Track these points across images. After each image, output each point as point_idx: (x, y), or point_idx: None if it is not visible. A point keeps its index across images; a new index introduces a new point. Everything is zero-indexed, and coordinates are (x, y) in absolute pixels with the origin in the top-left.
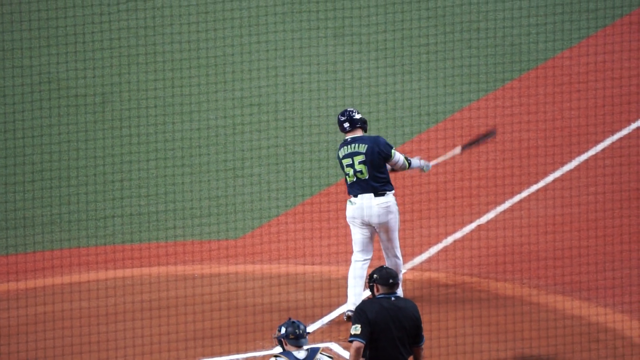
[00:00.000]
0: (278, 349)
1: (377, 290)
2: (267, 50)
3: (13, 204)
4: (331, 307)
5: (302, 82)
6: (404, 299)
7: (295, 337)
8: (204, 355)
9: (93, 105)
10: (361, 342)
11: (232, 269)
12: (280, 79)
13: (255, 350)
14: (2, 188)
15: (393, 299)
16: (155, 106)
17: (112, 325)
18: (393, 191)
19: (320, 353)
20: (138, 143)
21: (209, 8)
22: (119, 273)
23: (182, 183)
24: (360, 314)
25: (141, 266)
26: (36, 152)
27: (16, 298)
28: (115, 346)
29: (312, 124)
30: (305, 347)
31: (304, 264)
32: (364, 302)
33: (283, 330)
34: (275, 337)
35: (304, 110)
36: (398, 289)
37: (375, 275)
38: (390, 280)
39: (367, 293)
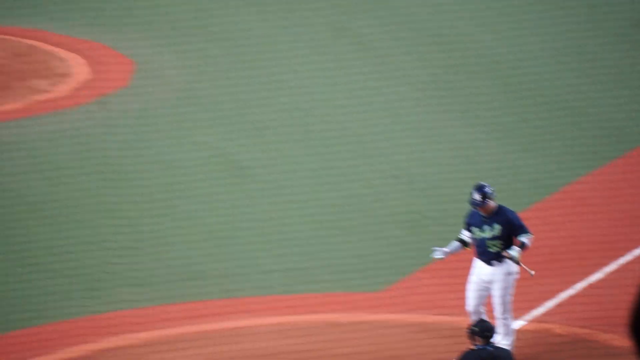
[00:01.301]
0: None
1: (476, 342)
2: (403, 130)
3: None
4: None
5: (434, 157)
6: (501, 348)
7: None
8: None
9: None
10: None
11: (376, 317)
12: (415, 154)
13: None
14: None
15: (490, 349)
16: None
17: None
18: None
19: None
20: (296, 208)
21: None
22: (275, 320)
23: (334, 242)
24: None
25: (295, 314)
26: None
27: None
28: None
29: (443, 194)
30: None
31: (438, 315)
32: (464, 354)
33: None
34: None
35: (435, 182)
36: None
37: (475, 329)
38: (487, 334)
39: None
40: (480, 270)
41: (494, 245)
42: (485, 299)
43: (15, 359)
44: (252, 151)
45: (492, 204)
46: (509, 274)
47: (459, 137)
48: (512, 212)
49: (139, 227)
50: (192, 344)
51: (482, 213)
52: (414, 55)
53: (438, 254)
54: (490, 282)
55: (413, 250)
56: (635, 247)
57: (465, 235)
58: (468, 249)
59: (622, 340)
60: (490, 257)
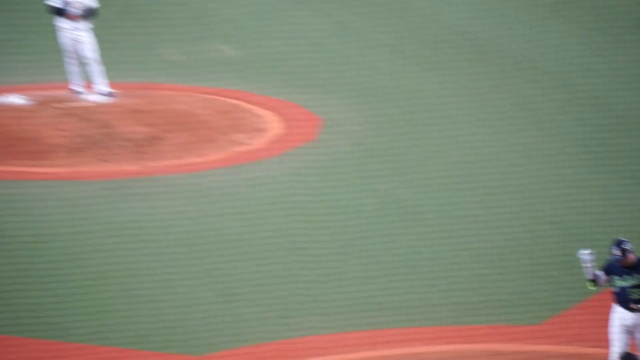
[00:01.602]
0: None
1: None
2: (560, 181)
3: None
4: None
5: (588, 207)
6: None
7: None
8: None
9: None
10: None
11: (534, 348)
12: (571, 203)
13: None
14: None
15: None
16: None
17: None
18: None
19: None
20: (462, 249)
21: None
22: (443, 348)
23: (496, 280)
24: None
25: (461, 343)
26: None
27: None
28: None
29: (596, 239)
30: None
31: (593, 347)
32: None
33: None
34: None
35: (589, 228)
36: None
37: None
38: None
39: None
40: (622, 316)
41: (635, 293)
42: (629, 343)
43: None
44: (423, 198)
45: (631, 257)
46: None
47: (611, 188)
48: None
49: (324, 263)
50: None
51: (622, 265)
52: (569, 115)
53: (598, 279)
54: (633, 326)
55: (568, 288)
56: None
57: (602, 277)
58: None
59: None
60: (632, 304)
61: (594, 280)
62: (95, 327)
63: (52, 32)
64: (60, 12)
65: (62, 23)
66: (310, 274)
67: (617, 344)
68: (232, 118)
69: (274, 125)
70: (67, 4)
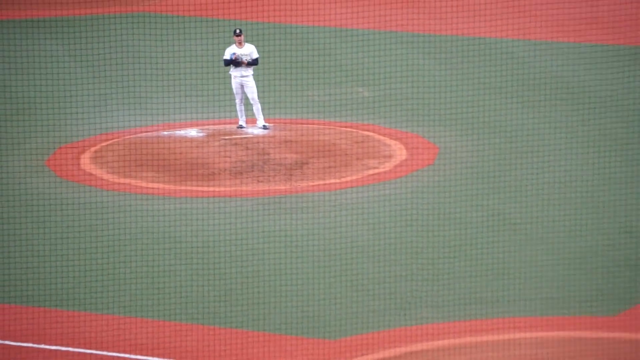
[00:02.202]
0: None
1: None
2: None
3: None
4: None
5: None
6: None
7: None
8: None
9: None
10: None
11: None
12: None
13: None
14: None
15: None
16: None
17: None
18: None
19: None
20: (549, 252)
21: None
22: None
23: (571, 278)
24: None
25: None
26: None
27: None
28: None
29: None
30: None
31: None
32: None
33: None
34: None
35: None
36: None
37: None
38: None
39: None
40: None
41: None
42: None
43: (348, 357)
44: (520, 212)
45: None
46: None
47: None
48: None
49: (436, 265)
50: (474, 350)
51: None
52: None
53: None
54: None
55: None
56: None
57: None
58: None
59: None
60: None
61: None
62: (251, 316)
63: (222, 78)
64: (231, 63)
65: (232, 71)
66: (424, 274)
67: None
68: (365, 147)
69: (399, 152)
70: (237, 57)
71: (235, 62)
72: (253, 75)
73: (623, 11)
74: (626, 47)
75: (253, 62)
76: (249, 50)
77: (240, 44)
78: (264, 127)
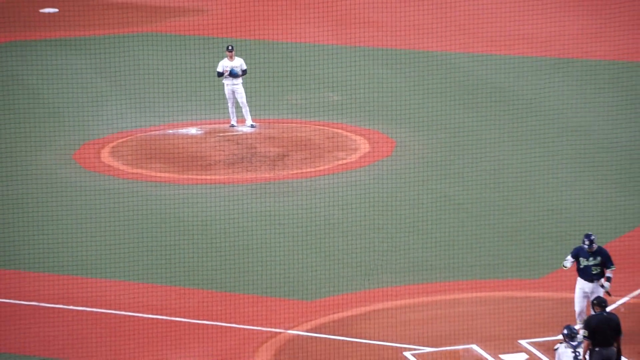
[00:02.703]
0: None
1: (596, 310)
2: None
3: None
4: None
5: None
6: (611, 313)
7: (571, 336)
8: None
9: None
10: (589, 340)
11: (536, 294)
12: None
13: None
14: None
15: (605, 314)
16: None
17: None
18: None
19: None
20: (486, 226)
21: None
22: (476, 294)
23: (504, 248)
24: (587, 324)
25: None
26: None
27: None
28: None
29: (564, 219)
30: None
31: (572, 292)
32: (592, 316)
33: (566, 331)
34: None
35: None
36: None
37: (596, 301)
38: (604, 304)
39: None
40: (583, 286)
41: (595, 270)
42: (586, 305)
43: (322, 315)
44: (463, 194)
45: (594, 245)
46: (601, 286)
47: (590, 189)
48: (605, 250)
49: (395, 238)
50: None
51: (589, 250)
52: (562, 138)
53: (567, 263)
54: (590, 293)
55: (559, 255)
56: None
57: (570, 261)
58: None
59: None
60: (592, 277)
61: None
62: (242, 281)
63: (216, 86)
64: (223, 74)
65: (225, 80)
66: (385, 246)
67: (578, 305)
68: (335, 141)
69: (363, 146)
70: (228, 69)
71: (231, 74)
72: (242, 83)
73: (544, 29)
74: (547, 58)
75: (243, 73)
76: (238, 63)
77: (231, 57)
78: (252, 126)
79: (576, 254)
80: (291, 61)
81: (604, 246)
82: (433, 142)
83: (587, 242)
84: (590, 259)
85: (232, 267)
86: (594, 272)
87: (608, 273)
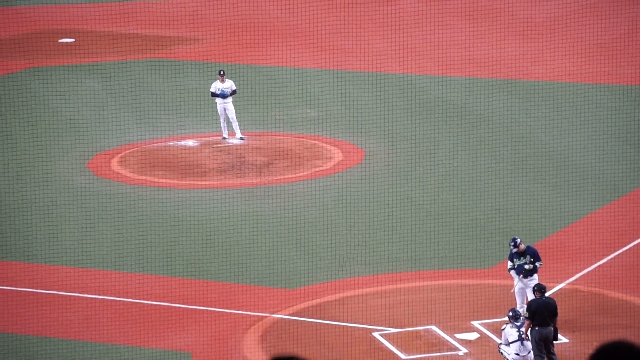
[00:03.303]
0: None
1: (537, 295)
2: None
3: None
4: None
5: None
6: (549, 297)
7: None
8: None
9: None
10: (529, 321)
11: (487, 281)
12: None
13: None
14: None
15: (544, 298)
16: None
17: None
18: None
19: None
20: (443, 223)
21: None
22: (435, 282)
23: (460, 243)
24: (529, 307)
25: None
26: None
27: None
28: None
29: (509, 217)
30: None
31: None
32: (532, 300)
33: (511, 313)
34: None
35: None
36: (546, 293)
37: (536, 287)
38: (543, 290)
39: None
40: (519, 281)
41: (527, 266)
42: (525, 298)
43: (302, 301)
44: (423, 196)
45: (521, 246)
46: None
47: (529, 190)
48: (533, 248)
49: (365, 234)
50: (380, 296)
51: (517, 252)
52: (507, 147)
53: (510, 269)
54: (525, 286)
55: (505, 248)
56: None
57: (509, 265)
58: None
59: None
60: (526, 274)
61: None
62: (233, 273)
63: (210, 104)
64: (216, 95)
65: (217, 100)
66: (356, 241)
67: (519, 298)
68: (313, 151)
69: (337, 155)
70: (220, 90)
71: (222, 95)
72: (232, 101)
73: (491, 53)
74: (494, 79)
75: (232, 93)
76: (229, 84)
77: (222, 80)
78: (241, 139)
79: (511, 257)
80: (274, 82)
81: (543, 240)
82: (397, 151)
83: (512, 245)
84: (522, 258)
85: (224, 260)
86: (526, 269)
87: (537, 264)
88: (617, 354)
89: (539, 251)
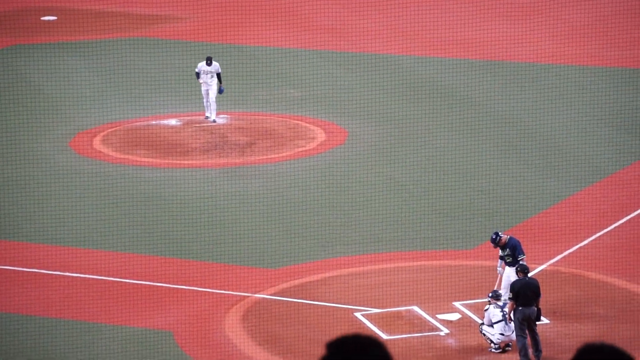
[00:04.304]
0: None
1: (520, 275)
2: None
3: None
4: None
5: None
6: (532, 278)
7: (496, 297)
8: None
9: None
10: (513, 301)
11: (469, 262)
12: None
13: None
14: None
15: (527, 279)
16: None
17: None
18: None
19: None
20: (426, 205)
21: None
22: (418, 263)
23: (442, 223)
24: (512, 287)
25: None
26: None
27: None
28: None
29: (493, 198)
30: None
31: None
32: (516, 281)
33: (491, 294)
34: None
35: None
36: (529, 274)
37: (519, 268)
38: (526, 271)
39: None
40: (503, 270)
41: (507, 258)
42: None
43: (285, 281)
44: (406, 176)
45: (503, 239)
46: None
47: (514, 171)
48: (514, 240)
49: (348, 214)
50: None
51: (498, 245)
52: (492, 129)
53: (500, 269)
54: (508, 276)
55: (487, 229)
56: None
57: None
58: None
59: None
60: (508, 264)
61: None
62: (216, 252)
63: (194, 84)
64: (199, 75)
65: (200, 80)
66: (338, 221)
67: (504, 283)
68: (296, 131)
69: (320, 135)
70: (203, 71)
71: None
72: (216, 83)
73: (476, 35)
74: (479, 60)
75: (218, 76)
76: (215, 67)
77: (209, 65)
78: (213, 121)
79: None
80: (258, 62)
81: (525, 221)
82: (380, 132)
83: (491, 240)
84: (503, 251)
85: (206, 239)
86: (507, 261)
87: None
88: (600, 355)
89: (521, 235)
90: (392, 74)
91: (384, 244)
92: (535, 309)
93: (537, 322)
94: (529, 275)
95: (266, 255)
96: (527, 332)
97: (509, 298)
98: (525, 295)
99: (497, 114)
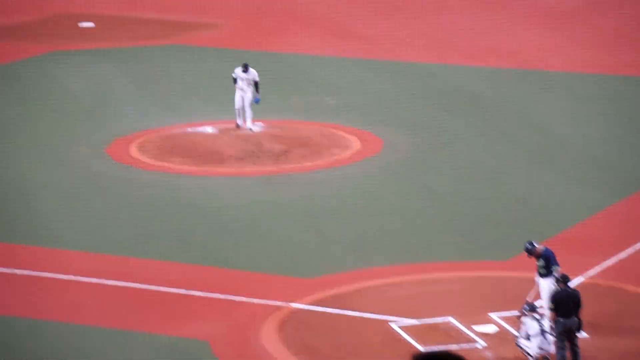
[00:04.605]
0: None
1: (561, 286)
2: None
3: None
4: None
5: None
6: (573, 288)
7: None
8: None
9: None
10: (554, 312)
11: (504, 274)
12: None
13: None
14: None
15: (568, 289)
16: None
17: None
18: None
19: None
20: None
21: None
22: (452, 274)
23: (478, 233)
24: (553, 298)
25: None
26: None
27: None
28: None
29: (530, 208)
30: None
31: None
32: (556, 292)
33: (527, 306)
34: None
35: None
36: (570, 283)
37: (560, 278)
38: (567, 280)
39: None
40: (537, 280)
41: (541, 269)
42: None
43: (319, 290)
44: (441, 184)
45: (538, 249)
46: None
47: (549, 182)
48: (548, 252)
49: (383, 223)
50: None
51: (532, 256)
52: (526, 138)
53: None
54: (543, 288)
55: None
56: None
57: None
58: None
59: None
60: (541, 275)
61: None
62: (251, 260)
63: (230, 92)
64: (236, 81)
65: (237, 87)
66: (374, 230)
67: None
68: (331, 139)
69: (355, 144)
70: (240, 77)
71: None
72: (251, 91)
73: (511, 44)
74: (513, 70)
75: (255, 84)
76: (252, 75)
77: (245, 72)
78: (259, 127)
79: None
80: (293, 69)
81: (561, 232)
82: (416, 141)
83: (526, 250)
84: (539, 261)
85: (242, 248)
86: (541, 272)
87: (554, 271)
88: None
89: (557, 246)
90: (427, 83)
91: (419, 254)
92: (577, 320)
93: (577, 335)
94: (570, 284)
95: (301, 264)
96: (567, 344)
97: (550, 309)
98: (567, 306)
99: (533, 123)
